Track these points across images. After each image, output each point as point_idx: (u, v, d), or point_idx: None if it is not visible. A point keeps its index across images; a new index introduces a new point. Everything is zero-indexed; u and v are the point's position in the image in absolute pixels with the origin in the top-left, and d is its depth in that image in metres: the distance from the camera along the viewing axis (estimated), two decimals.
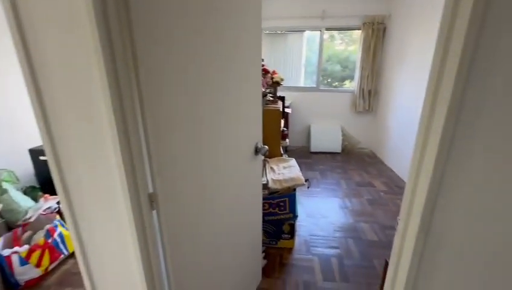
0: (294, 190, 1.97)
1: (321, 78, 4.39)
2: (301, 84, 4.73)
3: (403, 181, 3.31)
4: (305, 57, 4.62)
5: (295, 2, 3.95)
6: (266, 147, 1.37)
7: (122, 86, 0.58)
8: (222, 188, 1.07)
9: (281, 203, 1.94)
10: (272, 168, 2.13)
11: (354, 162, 4.04)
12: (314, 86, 4.46)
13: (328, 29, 4.13)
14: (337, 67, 5.27)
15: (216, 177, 1.02)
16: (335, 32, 5.30)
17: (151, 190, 0.70)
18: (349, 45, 5.43)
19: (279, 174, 2.03)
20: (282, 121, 3.22)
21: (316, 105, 4.47)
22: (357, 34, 4.80)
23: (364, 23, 3.90)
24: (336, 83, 5.17)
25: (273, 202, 1.94)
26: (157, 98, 0.67)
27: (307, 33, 4.50)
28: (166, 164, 0.74)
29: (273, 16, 4.03)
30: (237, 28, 1.02)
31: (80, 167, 0.70)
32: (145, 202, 0.69)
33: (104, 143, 0.63)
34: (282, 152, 2.77)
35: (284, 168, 2.15)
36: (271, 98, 2.70)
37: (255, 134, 1.34)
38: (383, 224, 2.42)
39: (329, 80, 5.15)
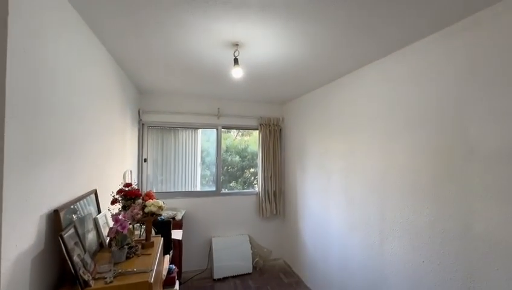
0: None
1: (222, 176, 3.71)
2: (198, 187, 3.90)
3: None
4: (200, 155, 3.96)
5: (187, 98, 3.47)
6: None
7: None
8: None
9: None
10: None
11: (271, 288, 3.13)
12: (214, 189, 3.69)
13: (224, 127, 3.75)
14: (237, 158, 4.91)
15: None
16: None
17: None
18: (245, 136, 5.34)
19: None
20: (167, 260, 2.11)
21: (218, 212, 3.61)
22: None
23: (260, 124, 3.75)
24: (237, 173, 4.68)
25: None
26: None
27: (201, 131, 4.00)
28: None
29: (159, 110, 3.33)
30: None
31: None
32: None
33: None
34: None
35: None
36: (140, 240, 1.65)
37: None
38: None
39: (229, 169, 4.60)
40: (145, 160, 3.32)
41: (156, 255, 1.46)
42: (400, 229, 1.83)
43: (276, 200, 3.82)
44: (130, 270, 1.25)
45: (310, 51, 1.89)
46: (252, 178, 4.73)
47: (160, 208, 1.62)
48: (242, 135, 5.36)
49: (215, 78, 2.57)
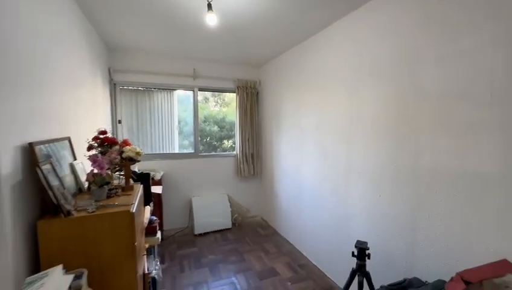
0: None
1: (199, 139, 3.75)
2: (176, 149, 3.91)
3: (304, 257, 2.88)
4: (177, 119, 3.93)
5: (161, 57, 3.34)
6: None
7: None
8: None
9: None
10: None
11: (248, 239, 3.38)
12: (193, 151, 3.74)
13: (201, 89, 3.71)
14: (215, 128, 4.95)
15: None
16: (208, 95, 5.08)
17: None
18: (223, 107, 5.34)
19: None
20: (148, 210, 2.19)
21: (197, 174, 3.70)
22: (230, 96, 4.71)
23: (238, 87, 3.75)
24: (215, 143, 4.74)
25: None
26: None
27: (179, 93, 3.93)
28: None
29: (132, 69, 3.20)
30: None
31: None
32: None
33: None
34: (146, 269, 1.71)
35: None
36: (120, 184, 1.70)
37: None
38: None
39: (207, 140, 4.65)
40: (119, 121, 3.24)
41: (137, 196, 1.53)
42: (362, 171, 2.04)
43: (254, 161, 3.97)
44: (111, 204, 1.31)
45: (283, 3, 1.90)
46: (231, 149, 4.82)
47: (138, 154, 1.66)
48: (221, 105, 5.34)
49: (189, 29, 2.48)
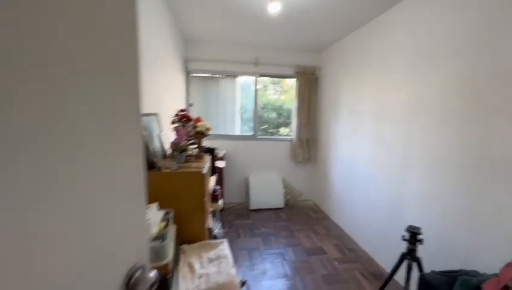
0: None
1: (258, 125, 4.02)
2: (237, 132, 4.28)
3: (353, 241, 2.90)
4: (239, 104, 4.27)
5: (227, 46, 3.66)
6: (154, 275, 0.65)
7: None
8: None
9: None
10: (189, 265, 1.36)
11: (299, 219, 3.54)
12: (252, 134, 4.04)
13: (262, 75, 3.92)
14: (273, 115, 5.16)
15: None
16: (268, 82, 5.28)
17: None
18: (282, 94, 5.48)
19: (200, 277, 1.27)
20: (213, 179, 2.55)
21: (254, 155, 4.00)
22: (288, 83, 4.83)
23: (297, 73, 3.83)
24: (272, 130, 4.97)
25: None
26: None
27: (241, 80, 4.23)
28: None
29: (202, 58, 3.62)
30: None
31: None
32: None
33: None
34: (211, 226, 2.04)
35: (211, 261, 1.42)
36: (195, 153, 2.05)
37: (132, 251, 0.62)
38: None
39: (266, 126, 4.91)
40: (191, 104, 3.73)
41: (206, 162, 1.85)
42: (421, 158, 1.95)
43: (309, 146, 4.05)
44: (187, 166, 1.65)
45: None
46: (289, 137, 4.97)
47: (207, 129, 1.98)
48: (280, 93, 5.50)
49: (252, 18, 2.67)
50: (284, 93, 5.39)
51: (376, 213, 2.53)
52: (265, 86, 5.37)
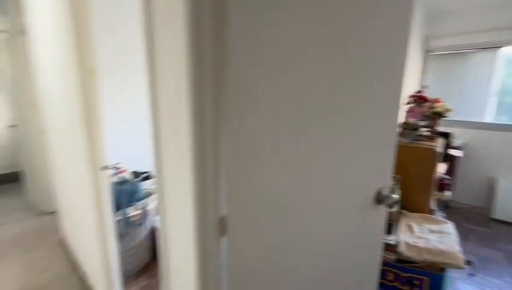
0: (443, 269, 1.32)
1: None
2: (487, 119, 3.39)
3: None
4: (499, 84, 3.29)
5: (483, 10, 2.93)
6: (395, 196, 0.98)
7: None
8: (317, 236, 0.83)
9: (415, 281, 1.35)
10: (409, 226, 1.56)
11: None
12: (511, 123, 3.05)
13: None
14: None
15: (308, 221, 0.80)
16: None
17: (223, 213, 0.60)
18: None
19: (419, 238, 1.44)
20: (442, 166, 2.39)
21: (511, 151, 3.02)
22: None
23: None
24: None
25: (402, 274, 1.39)
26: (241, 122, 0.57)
27: (505, 52, 3.21)
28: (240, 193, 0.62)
29: (448, 33, 3.19)
30: (371, 26, 0.76)
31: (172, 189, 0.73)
32: (213, 225, 0.59)
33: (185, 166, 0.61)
34: (433, 208, 2.02)
35: (431, 232, 1.52)
36: (426, 134, 2.06)
37: (381, 177, 1.00)
38: None
39: None
40: (425, 86, 3.48)
41: (439, 145, 1.83)
42: None
43: None
44: (419, 143, 1.77)
45: None
46: None
47: (447, 110, 1.91)
48: None
49: None
50: None
51: None
52: None
